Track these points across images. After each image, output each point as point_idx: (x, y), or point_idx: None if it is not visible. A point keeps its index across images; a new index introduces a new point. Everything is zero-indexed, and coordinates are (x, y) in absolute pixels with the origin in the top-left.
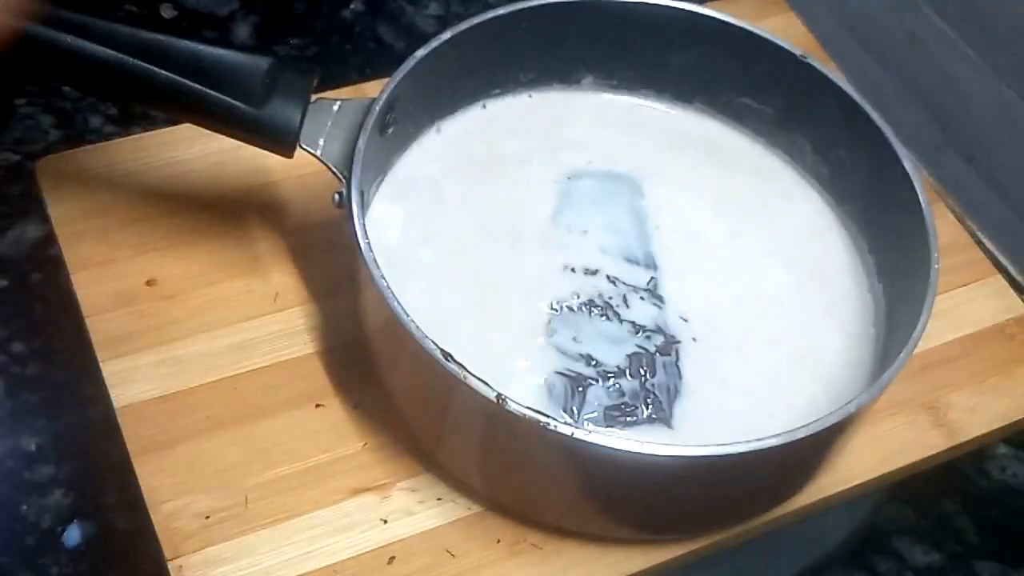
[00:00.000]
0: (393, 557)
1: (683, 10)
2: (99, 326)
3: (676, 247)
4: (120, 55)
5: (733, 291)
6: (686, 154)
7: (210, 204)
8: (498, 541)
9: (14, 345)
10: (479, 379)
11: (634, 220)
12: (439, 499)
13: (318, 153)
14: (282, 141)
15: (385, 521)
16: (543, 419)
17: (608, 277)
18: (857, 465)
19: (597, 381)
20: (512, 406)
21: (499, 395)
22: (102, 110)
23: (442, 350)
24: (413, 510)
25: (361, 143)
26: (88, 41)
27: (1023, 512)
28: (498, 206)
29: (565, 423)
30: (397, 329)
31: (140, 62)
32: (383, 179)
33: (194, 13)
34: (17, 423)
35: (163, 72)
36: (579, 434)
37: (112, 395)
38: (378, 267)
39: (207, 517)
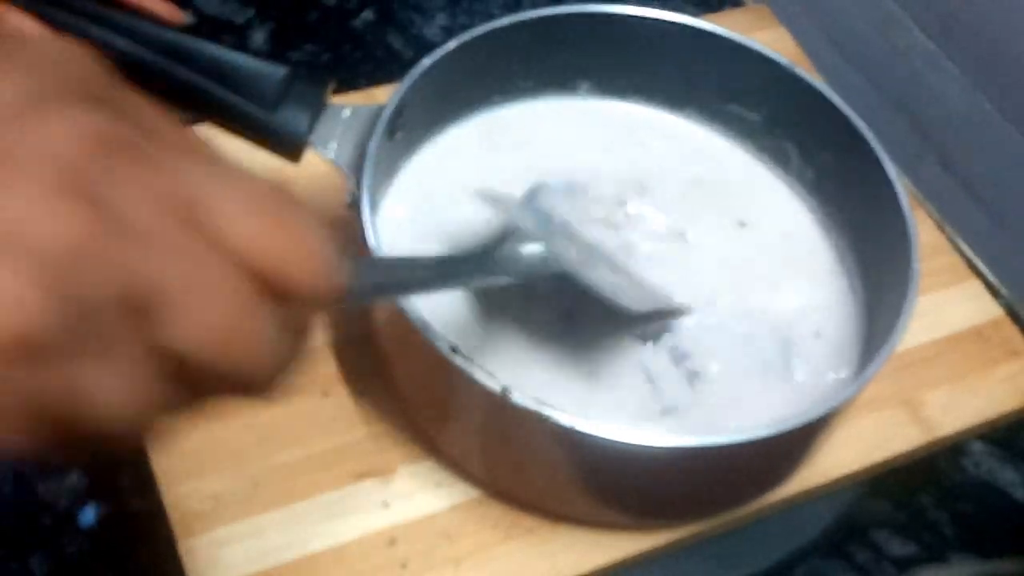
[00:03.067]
0: (394, 539)
1: (676, 23)
2: None
3: (662, 250)
4: (142, 50)
5: (716, 292)
6: (677, 159)
7: None
8: (495, 526)
9: None
10: (485, 371)
11: (621, 221)
12: (438, 485)
13: (330, 157)
14: (288, 147)
15: (387, 505)
16: (546, 411)
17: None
18: (838, 459)
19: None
20: (517, 398)
21: (504, 387)
22: None
23: (449, 344)
24: (414, 495)
25: (371, 147)
26: (113, 33)
27: (997, 506)
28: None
29: (566, 415)
30: (405, 324)
31: (161, 59)
32: (392, 181)
33: (213, 20)
34: None
35: (182, 70)
36: (580, 425)
37: None
38: None
39: (217, 499)
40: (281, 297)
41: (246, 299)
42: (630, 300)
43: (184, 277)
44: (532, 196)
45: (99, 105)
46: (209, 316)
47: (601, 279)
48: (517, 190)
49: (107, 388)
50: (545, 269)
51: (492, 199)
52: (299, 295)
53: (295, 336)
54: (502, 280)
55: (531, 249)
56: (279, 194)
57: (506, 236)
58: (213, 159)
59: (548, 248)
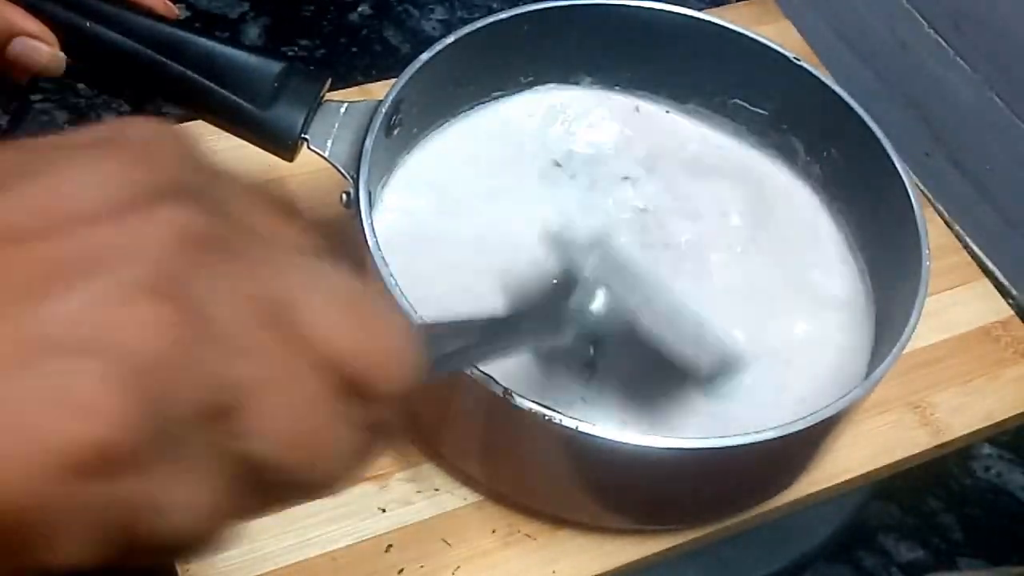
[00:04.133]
0: (391, 545)
1: (680, 15)
2: None
3: (670, 246)
4: (136, 45)
5: (724, 289)
6: (683, 155)
7: None
8: (493, 531)
9: None
10: (486, 374)
11: (628, 219)
12: (436, 489)
13: (325, 154)
14: (282, 145)
15: (383, 510)
16: (548, 413)
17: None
18: (845, 462)
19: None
20: (518, 400)
21: (506, 390)
22: (115, 107)
23: None
24: (411, 500)
25: (368, 144)
26: (107, 28)
27: (1006, 511)
28: (499, 205)
29: (568, 417)
30: None
31: (154, 54)
32: (389, 178)
33: (206, 14)
34: None
35: (175, 65)
36: (583, 427)
37: None
38: (386, 264)
39: None
40: (361, 396)
41: (325, 402)
42: (691, 355)
43: (266, 381)
44: (598, 244)
45: (192, 199)
46: (287, 420)
47: (666, 333)
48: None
49: (178, 497)
50: (611, 325)
51: (556, 243)
52: (380, 395)
53: (370, 433)
54: (567, 339)
55: (599, 304)
56: (364, 292)
57: (568, 288)
58: (302, 252)
59: (614, 301)
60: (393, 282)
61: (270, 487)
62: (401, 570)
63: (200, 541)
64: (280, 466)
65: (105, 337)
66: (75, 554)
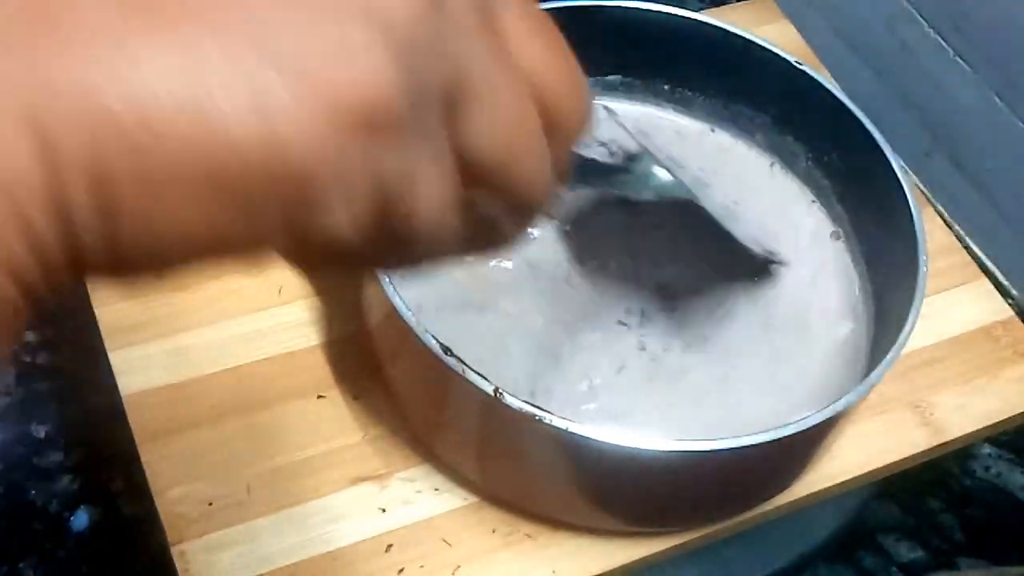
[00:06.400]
0: (391, 545)
1: (682, 17)
2: (108, 316)
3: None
4: None
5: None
6: (682, 158)
7: None
8: (493, 531)
9: (25, 334)
10: (477, 373)
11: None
12: (436, 489)
13: None
14: None
15: (383, 510)
16: (538, 413)
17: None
18: (844, 462)
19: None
20: (509, 400)
21: (496, 389)
22: None
23: (441, 344)
24: (411, 499)
25: None
26: None
27: (1006, 511)
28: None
29: (559, 417)
30: (398, 323)
31: None
32: None
33: None
34: (26, 410)
35: None
36: (573, 428)
37: (119, 383)
38: None
39: (210, 504)
40: (549, 128)
41: (532, 114)
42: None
43: (488, 75)
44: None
45: None
46: (504, 118)
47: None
48: None
49: (422, 179)
50: (668, 192)
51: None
52: (566, 129)
53: (555, 170)
54: (630, 193)
55: (662, 173)
56: (553, 22)
57: (635, 160)
58: None
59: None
60: (387, 279)
61: (482, 185)
62: (401, 570)
63: (432, 238)
64: (492, 161)
65: (367, 2)
66: (342, 220)
